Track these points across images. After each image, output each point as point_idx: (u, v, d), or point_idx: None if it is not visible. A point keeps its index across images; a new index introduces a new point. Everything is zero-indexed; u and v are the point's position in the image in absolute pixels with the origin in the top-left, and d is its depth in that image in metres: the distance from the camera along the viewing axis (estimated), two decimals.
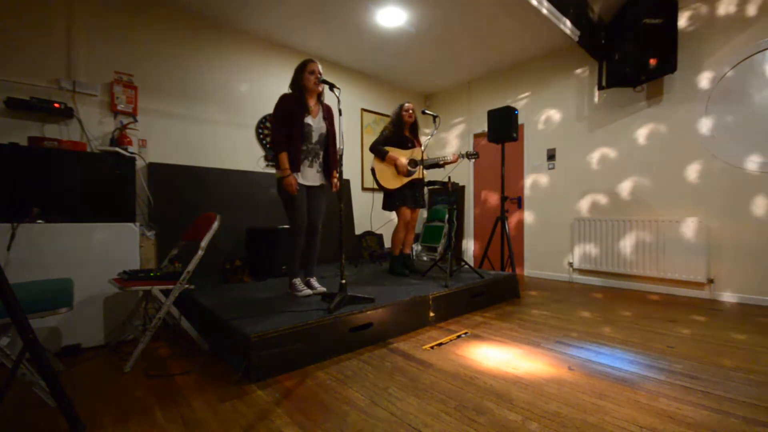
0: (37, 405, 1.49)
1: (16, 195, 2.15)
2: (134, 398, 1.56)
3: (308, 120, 2.41)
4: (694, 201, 3.37)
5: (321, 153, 2.53)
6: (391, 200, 3.22)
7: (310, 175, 2.49)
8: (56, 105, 2.68)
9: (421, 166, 3.17)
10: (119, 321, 2.23)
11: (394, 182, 3.16)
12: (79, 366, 1.91)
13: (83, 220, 2.22)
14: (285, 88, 2.53)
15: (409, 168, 3.15)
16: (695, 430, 1.28)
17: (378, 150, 3.16)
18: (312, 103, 2.47)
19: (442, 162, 3.23)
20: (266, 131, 4.01)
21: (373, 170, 3.21)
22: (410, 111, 3.22)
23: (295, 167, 2.36)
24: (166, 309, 1.93)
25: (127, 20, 3.11)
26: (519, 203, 4.73)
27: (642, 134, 3.68)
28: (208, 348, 2.07)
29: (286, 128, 2.35)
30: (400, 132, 3.22)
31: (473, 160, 3.24)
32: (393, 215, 3.45)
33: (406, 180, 3.15)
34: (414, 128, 3.34)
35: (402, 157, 3.15)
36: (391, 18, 3.57)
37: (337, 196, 2.29)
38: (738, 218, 3.14)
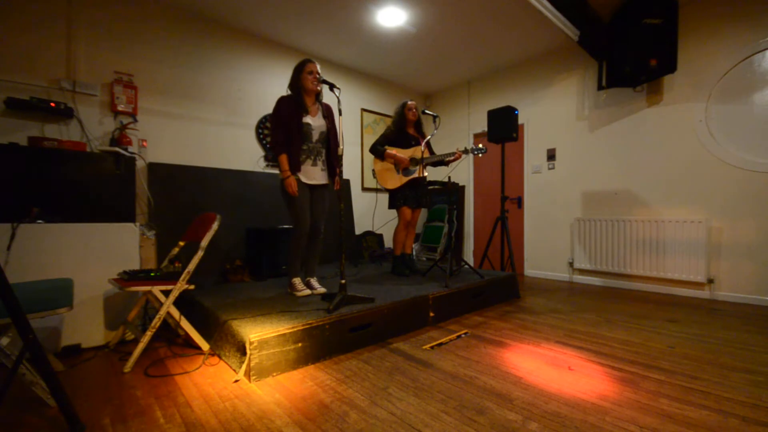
0: (37, 405, 1.49)
1: (16, 195, 2.16)
2: (134, 398, 1.56)
3: (307, 119, 2.42)
4: (694, 201, 3.37)
5: (323, 151, 2.53)
6: (393, 200, 3.23)
7: (314, 174, 2.49)
8: (55, 105, 2.68)
9: (422, 165, 3.15)
10: (119, 321, 2.23)
11: (394, 182, 3.16)
12: (79, 366, 1.91)
13: (83, 220, 2.22)
14: (285, 88, 2.54)
15: (410, 167, 3.15)
16: (695, 430, 1.28)
17: (376, 150, 3.18)
18: (310, 102, 2.48)
19: (446, 159, 3.18)
20: (266, 131, 4.01)
21: (374, 171, 3.23)
22: (413, 109, 3.22)
23: (296, 168, 2.37)
24: (166, 309, 1.93)
25: (127, 20, 3.10)
26: (519, 203, 4.73)
27: (642, 134, 3.68)
28: (208, 348, 2.07)
29: (285, 130, 2.36)
30: (402, 130, 3.22)
31: (480, 155, 3.19)
32: (395, 214, 3.46)
33: (405, 180, 3.15)
34: (418, 126, 3.33)
35: (401, 154, 3.16)
36: (391, 18, 3.57)
37: (337, 196, 2.30)
38: (738, 218, 3.14)
